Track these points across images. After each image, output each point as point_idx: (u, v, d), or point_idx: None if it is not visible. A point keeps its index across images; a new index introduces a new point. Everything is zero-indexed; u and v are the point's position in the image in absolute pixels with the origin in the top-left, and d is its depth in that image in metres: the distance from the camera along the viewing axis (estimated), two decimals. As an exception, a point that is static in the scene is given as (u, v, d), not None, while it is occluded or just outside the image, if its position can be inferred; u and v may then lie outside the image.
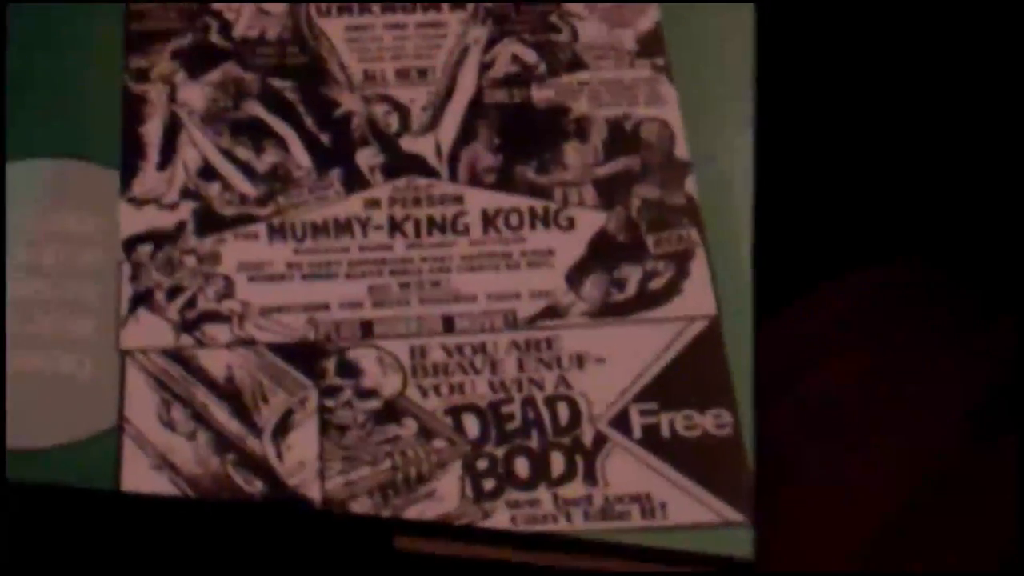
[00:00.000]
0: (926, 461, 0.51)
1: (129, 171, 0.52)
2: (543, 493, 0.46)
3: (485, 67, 0.55)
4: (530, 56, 0.55)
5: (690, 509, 0.46)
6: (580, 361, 0.48)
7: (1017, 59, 0.58)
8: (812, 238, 0.55)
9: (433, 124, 0.53)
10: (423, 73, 0.54)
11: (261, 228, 0.51)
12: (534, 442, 0.47)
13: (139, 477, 0.46)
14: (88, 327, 0.48)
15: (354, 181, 0.52)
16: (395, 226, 0.51)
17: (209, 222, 0.51)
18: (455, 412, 0.47)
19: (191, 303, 0.49)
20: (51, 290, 0.49)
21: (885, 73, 0.58)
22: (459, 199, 0.52)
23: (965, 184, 0.57)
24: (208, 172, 0.52)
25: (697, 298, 0.50)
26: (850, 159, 0.56)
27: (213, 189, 0.52)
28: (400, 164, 0.52)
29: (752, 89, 0.53)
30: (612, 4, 0.56)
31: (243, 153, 0.52)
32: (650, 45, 0.55)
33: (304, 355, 0.48)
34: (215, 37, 0.55)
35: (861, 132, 0.57)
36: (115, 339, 0.48)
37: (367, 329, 0.49)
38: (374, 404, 0.47)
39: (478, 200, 0.52)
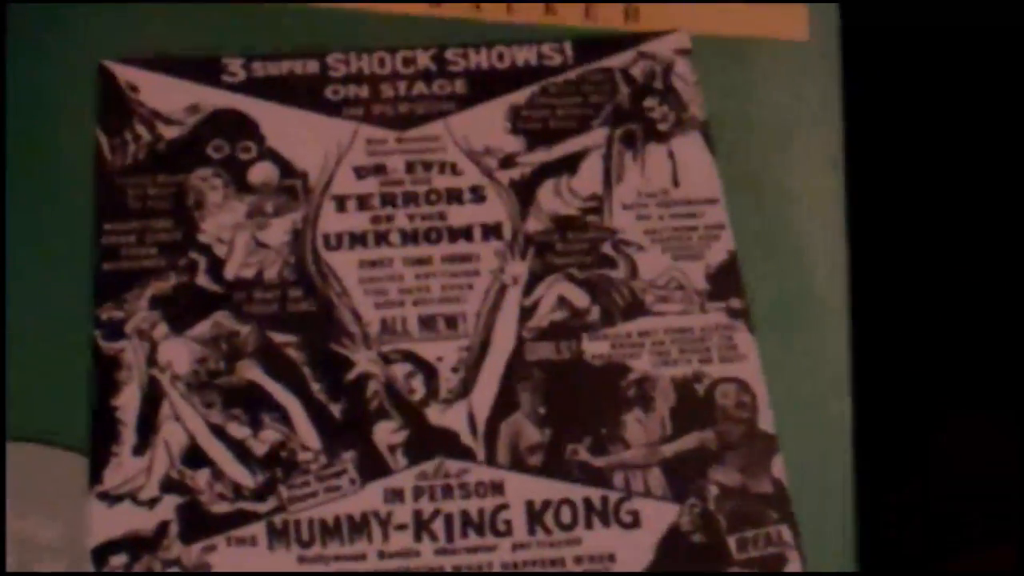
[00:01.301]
0: None
1: (100, 457, 0.42)
2: None
3: (526, 314, 0.45)
4: (580, 298, 0.45)
5: None
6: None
7: None
8: (918, 530, 0.45)
9: (466, 390, 0.44)
10: (452, 322, 0.45)
11: (260, 529, 0.41)
12: None
13: None
14: (47, 676, 0.39)
15: (371, 465, 0.42)
16: (422, 525, 0.42)
17: (197, 523, 0.41)
18: None
19: (175, 634, 0.40)
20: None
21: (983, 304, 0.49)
22: (499, 488, 0.42)
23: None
24: (195, 456, 0.42)
25: (792, 619, 0.40)
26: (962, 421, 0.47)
27: (201, 479, 0.42)
28: (427, 443, 0.43)
29: (850, 341, 0.44)
30: (677, 228, 0.46)
31: (237, 431, 0.43)
32: (724, 283, 0.46)
33: None
34: (203, 279, 0.45)
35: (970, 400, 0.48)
36: None
37: (390, 667, 0.40)
38: None
39: (522, 489, 0.42)
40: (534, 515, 0.42)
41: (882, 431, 0.43)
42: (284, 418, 0.43)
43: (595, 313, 0.45)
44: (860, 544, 0.41)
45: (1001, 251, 0.53)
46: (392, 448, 0.43)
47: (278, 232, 0.46)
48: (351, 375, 0.44)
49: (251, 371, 0.44)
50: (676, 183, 0.47)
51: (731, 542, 0.41)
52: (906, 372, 0.48)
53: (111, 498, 0.42)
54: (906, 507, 0.46)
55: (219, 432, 0.43)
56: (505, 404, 0.43)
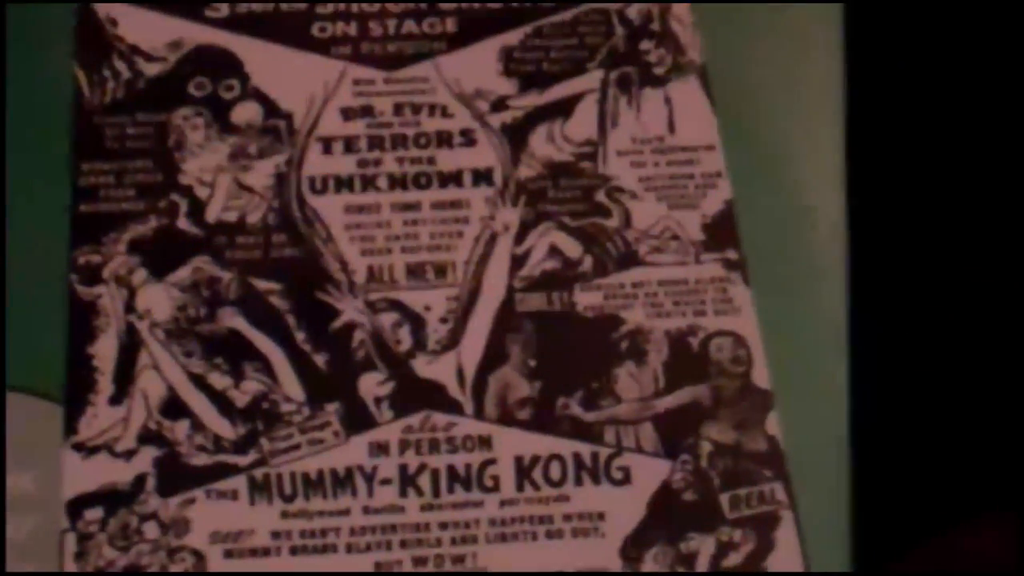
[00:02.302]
0: None
1: (75, 406, 0.40)
2: None
3: (517, 263, 0.43)
4: (573, 248, 0.43)
5: None
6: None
7: None
8: (918, 484, 0.44)
9: (454, 341, 0.42)
10: (440, 271, 0.43)
11: (241, 483, 0.40)
12: None
13: None
14: (20, 631, 0.38)
15: (356, 418, 0.40)
16: (407, 480, 0.40)
17: (175, 476, 0.39)
18: None
19: (152, 590, 0.38)
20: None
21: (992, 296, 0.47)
22: (487, 443, 0.40)
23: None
24: (174, 407, 0.40)
25: (786, 579, 0.39)
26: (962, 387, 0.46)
27: (180, 430, 0.40)
28: (413, 395, 0.41)
29: (847, 295, 0.42)
30: (673, 175, 0.44)
31: (218, 380, 0.41)
32: (720, 233, 0.44)
33: (294, 662, 0.38)
34: (184, 223, 0.43)
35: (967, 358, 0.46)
36: (55, 641, 0.37)
37: (373, 626, 0.38)
38: None
39: (511, 444, 0.40)
40: (523, 471, 0.40)
41: (879, 392, 0.41)
42: (267, 368, 0.41)
43: (588, 263, 0.43)
44: (855, 505, 0.39)
45: (1002, 208, 0.51)
46: (378, 400, 0.41)
47: (262, 175, 0.44)
48: (336, 324, 0.42)
49: (233, 319, 0.42)
50: (672, 129, 0.45)
51: (723, 500, 0.40)
52: (905, 332, 0.46)
53: (86, 449, 0.40)
54: (904, 470, 0.44)
55: (199, 382, 0.41)
56: (494, 356, 0.42)
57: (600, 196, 0.44)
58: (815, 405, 0.41)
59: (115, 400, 0.40)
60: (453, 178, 0.44)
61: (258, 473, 0.40)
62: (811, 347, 0.42)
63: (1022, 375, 0.48)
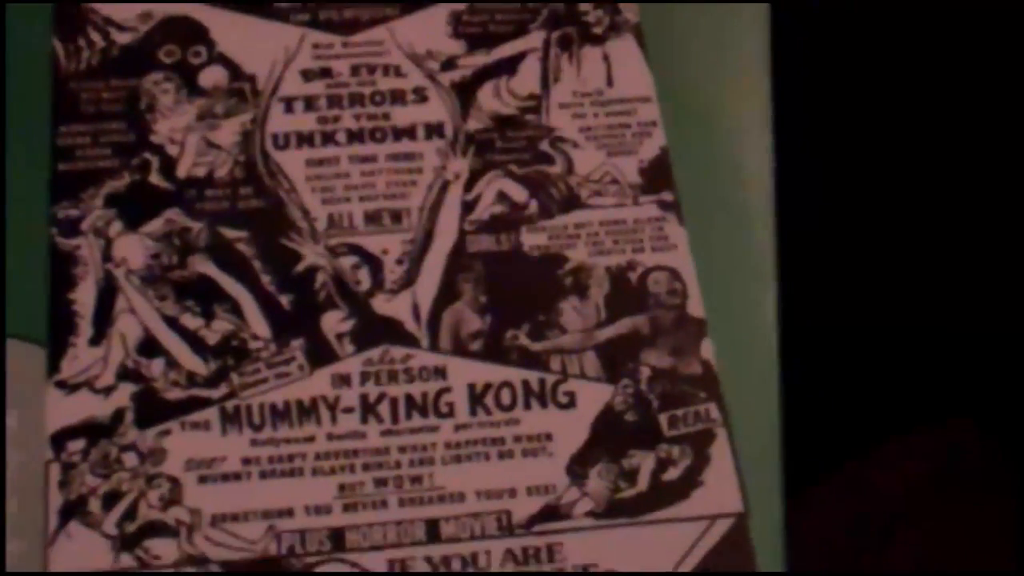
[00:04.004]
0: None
1: (57, 347, 0.42)
2: None
3: (467, 208, 0.45)
4: (519, 193, 0.45)
5: None
6: (587, 574, 0.39)
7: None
8: (845, 403, 0.46)
9: (410, 280, 0.43)
10: (396, 217, 0.45)
11: (212, 414, 0.41)
12: (536, 674, 0.38)
13: None
14: (9, 547, 0.39)
15: (319, 353, 0.42)
16: (368, 408, 0.42)
17: (152, 409, 0.41)
18: (443, 642, 0.38)
19: (131, 513, 0.40)
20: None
21: (921, 209, 0.49)
22: (442, 372, 0.42)
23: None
24: (150, 346, 0.42)
25: (720, 491, 0.40)
26: (881, 308, 0.47)
27: (156, 367, 0.42)
28: (372, 330, 0.43)
29: (774, 231, 0.44)
30: (611, 125, 0.46)
31: (190, 321, 0.43)
32: (656, 177, 0.45)
33: (266, 575, 0.39)
34: (156, 177, 0.45)
35: (893, 281, 0.48)
36: (41, 560, 0.39)
37: (338, 540, 0.39)
38: (348, 634, 0.38)
39: (464, 373, 0.42)
40: (475, 397, 0.42)
41: (806, 316, 0.43)
42: (235, 309, 0.43)
43: (533, 207, 0.45)
44: (784, 422, 0.41)
45: (927, 145, 0.53)
46: (339, 336, 0.43)
47: (228, 133, 0.46)
48: (299, 268, 0.44)
49: (203, 265, 0.43)
50: (610, 83, 0.47)
51: (662, 420, 0.42)
52: (827, 263, 0.48)
53: (68, 387, 0.41)
54: (833, 388, 0.46)
55: (172, 323, 0.43)
56: (447, 294, 0.43)
57: (544, 146, 0.46)
58: (745, 332, 0.43)
59: (94, 341, 0.42)
60: (407, 132, 0.46)
61: (229, 405, 0.41)
62: (741, 279, 0.44)
63: (928, 308, 0.49)
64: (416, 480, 0.41)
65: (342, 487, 0.40)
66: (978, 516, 0.45)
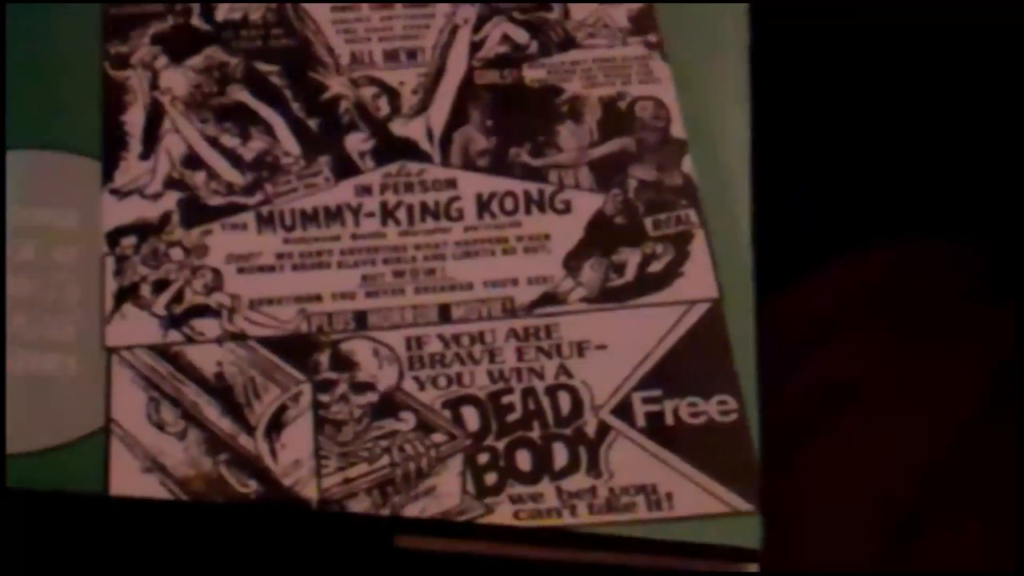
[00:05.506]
0: (936, 442, 0.47)
1: (110, 161, 0.46)
2: (546, 486, 0.42)
3: (475, 47, 0.50)
4: (521, 36, 0.50)
5: (697, 499, 0.42)
6: (580, 349, 0.44)
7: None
8: (812, 216, 0.50)
9: (424, 107, 0.48)
10: (412, 55, 0.49)
11: (249, 217, 0.46)
12: (536, 434, 0.42)
13: (129, 480, 0.41)
14: (71, 325, 0.43)
15: (344, 167, 0.47)
16: (387, 213, 0.46)
17: (195, 212, 0.46)
18: (454, 404, 0.43)
19: (178, 297, 0.44)
20: (30, 287, 0.44)
21: (884, 47, 0.53)
22: (452, 184, 0.47)
23: (965, 160, 0.53)
24: (193, 160, 0.47)
25: (698, 281, 0.45)
26: (851, 134, 0.52)
27: (199, 178, 0.47)
28: (391, 149, 0.47)
29: (747, 64, 0.48)
30: (603, -19, 0.51)
31: (229, 140, 0.47)
32: (642, 22, 0.50)
33: (297, 349, 0.44)
34: (197, 20, 0.49)
35: (861, 106, 0.52)
36: (99, 337, 0.43)
37: (361, 320, 0.44)
38: (370, 398, 0.43)
39: (472, 184, 0.47)
40: (482, 204, 0.47)
41: (779, 135, 0.48)
42: (268, 131, 0.48)
43: (534, 47, 0.50)
44: (755, 225, 0.46)
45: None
46: (361, 154, 0.47)
47: (262, -17, 0.51)
48: (326, 96, 0.48)
49: (240, 94, 0.48)
50: (603, -57, 0.52)
51: (647, 222, 0.46)
52: (803, 83, 0.53)
53: (121, 193, 0.46)
54: (805, 197, 0.51)
55: (213, 142, 0.47)
56: (457, 118, 0.48)
57: (543, -5, 0.51)
58: (723, 151, 0.47)
59: (143, 156, 0.47)
60: (422, -16, 0.51)
61: (264, 210, 0.46)
62: (718, 106, 0.48)
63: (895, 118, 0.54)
64: (430, 272, 0.45)
65: (364, 277, 0.45)
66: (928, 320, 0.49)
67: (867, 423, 0.48)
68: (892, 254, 0.50)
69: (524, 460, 0.42)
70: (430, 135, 0.48)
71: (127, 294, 0.44)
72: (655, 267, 0.45)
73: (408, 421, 0.42)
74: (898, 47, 0.55)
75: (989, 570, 0.45)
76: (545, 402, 0.43)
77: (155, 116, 0.47)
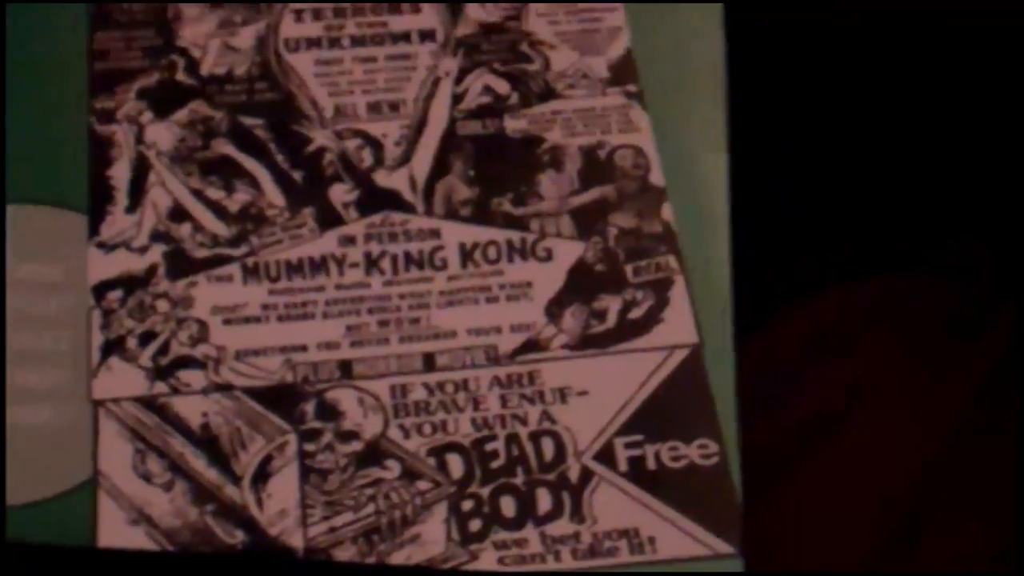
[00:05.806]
0: (915, 475, 0.47)
1: (97, 215, 0.47)
2: (530, 532, 0.42)
3: (457, 99, 0.50)
4: (502, 87, 0.51)
5: (679, 543, 0.42)
6: (563, 395, 0.44)
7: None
8: (787, 258, 0.51)
9: (407, 158, 0.49)
10: (395, 106, 0.50)
11: (235, 269, 0.46)
12: (519, 480, 0.43)
13: (116, 532, 0.41)
14: (58, 377, 0.44)
15: (328, 218, 0.47)
16: (372, 263, 0.47)
17: (181, 264, 0.46)
18: (438, 452, 0.43)
19: (164, 349, 0.45)
20: (17, 341, 0.44)
21: (854, 95, 0.54)
22: (436, 233, 0.47)
23: (931, 198, 0.54)
24: (178, 213, 0.47)
25: (678, 326, 0.46)
26: (823, 177, 0.53)
27: (184, 231, 0.47)
28: (375, 199, 0.48)
29: (725, 113, 0.49)
30: (582, 30, 0.52)
31: (214, 193, 0.48)
32: (621, 72, 0.51)
33: (282, 398, 0.44)
34: (181, 75, 0.50)
35: (832, 152, 0.53)
36: (87, 389, 0.44)
37: (346, 369, 0.45)
38: (355, 446, 0.43)
39: (455, 234, 0.47)
40: (465, 253, 0.47)
41: (756, 182, 0.48)
42: (253, 183, 0.48)
43: (515, 98, 0.50)
44: (734, 271, 0.46)
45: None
46: (345, 205, 0.48)
47: (246, 38, 0.51)
48: (310, 148, 0.49)
49: (224, 147, 0.49)
50: (582, -5, 0.53)
51: (628, 269, 0.47)
52: (778, 130, 0.53)
53: (107, 246, 0.46)
54: (774, 245, 0.51)
55: (198, 194, 0.48)
56: (440, 168, 0.49)
57: (524, 47, 0.51)
58: (701, 198, 0.48)
59: (130, 209, 0.47)
60: (403, 37, 0.51)
61: (249, 261, 0.47)
62: (697, 153, 0.49)
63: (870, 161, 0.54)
64: (414, 321, 0.46)
65: (349, 327, 0.45)
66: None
67: (867, 424, 0.48)
68: (859, 290, 0.51)
69: (508, 506, 0.42)
70: (413, 185, 0.48)
71: (113, 347, 0.45)
72: (635, 313, 0.46)
73: (393, 469, 0.43)
74: (874, 92, 0.55)
75: (989, 570, 0.45)
76: (529, 448, 0.43)
77: (141, 170, 0.48)
